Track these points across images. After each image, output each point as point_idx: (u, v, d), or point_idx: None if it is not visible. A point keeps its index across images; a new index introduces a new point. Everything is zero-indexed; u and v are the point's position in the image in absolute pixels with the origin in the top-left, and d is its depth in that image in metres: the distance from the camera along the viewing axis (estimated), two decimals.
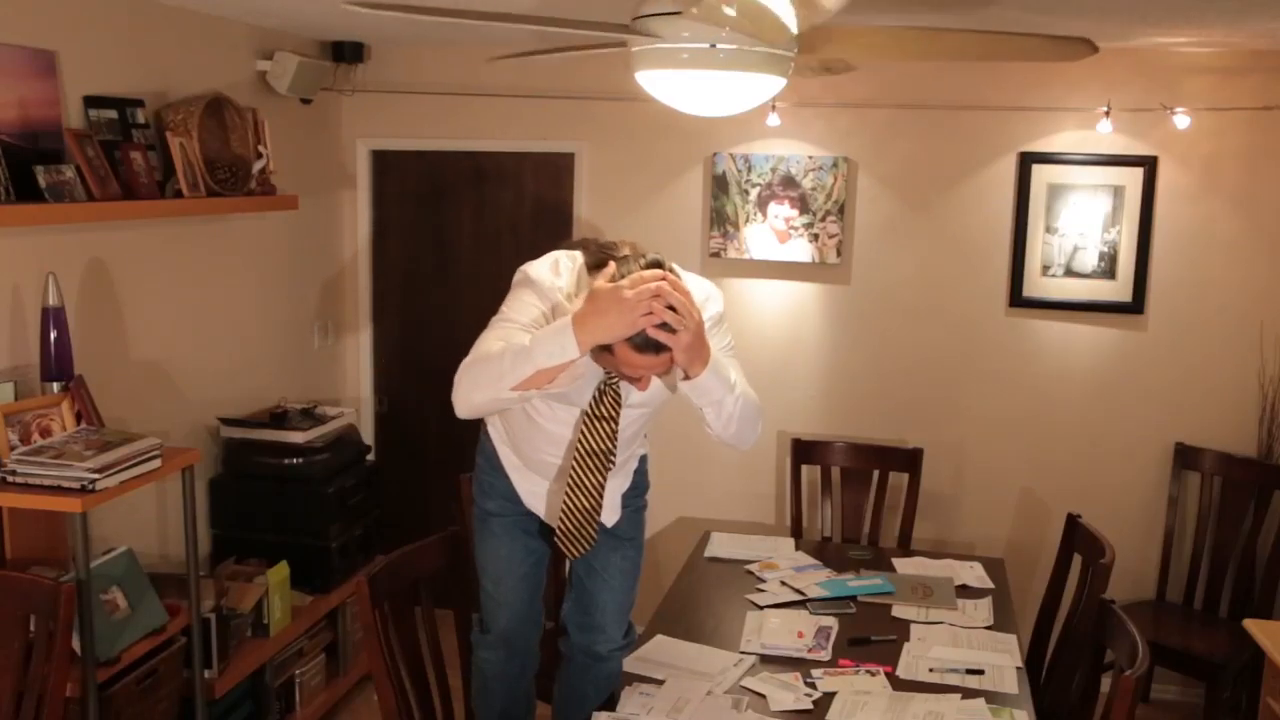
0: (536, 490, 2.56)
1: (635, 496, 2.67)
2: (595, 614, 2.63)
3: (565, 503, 2.39)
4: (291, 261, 4.29)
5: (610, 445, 2.35)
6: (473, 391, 2.10)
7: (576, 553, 2.45)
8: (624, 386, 2.30)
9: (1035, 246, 4.10)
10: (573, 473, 2.37)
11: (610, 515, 2.57)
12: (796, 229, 4.23)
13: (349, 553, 3.95)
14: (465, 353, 2.16)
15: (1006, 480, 4.30)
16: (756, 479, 4.47)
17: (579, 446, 2.35)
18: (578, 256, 2.26)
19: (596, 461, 2.35)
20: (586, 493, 2.38)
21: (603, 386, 2.31)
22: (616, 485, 2.57)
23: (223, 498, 3.84)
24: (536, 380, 2.04)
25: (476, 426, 2.62)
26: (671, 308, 2.01)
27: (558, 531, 2.43)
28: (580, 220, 4.47)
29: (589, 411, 2.32)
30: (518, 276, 2.28)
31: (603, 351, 2.10)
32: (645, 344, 2.05)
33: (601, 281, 2.06)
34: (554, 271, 2.23)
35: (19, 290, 2.97)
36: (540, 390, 2.08)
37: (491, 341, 2.13)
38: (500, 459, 2.58)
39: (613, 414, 2.32)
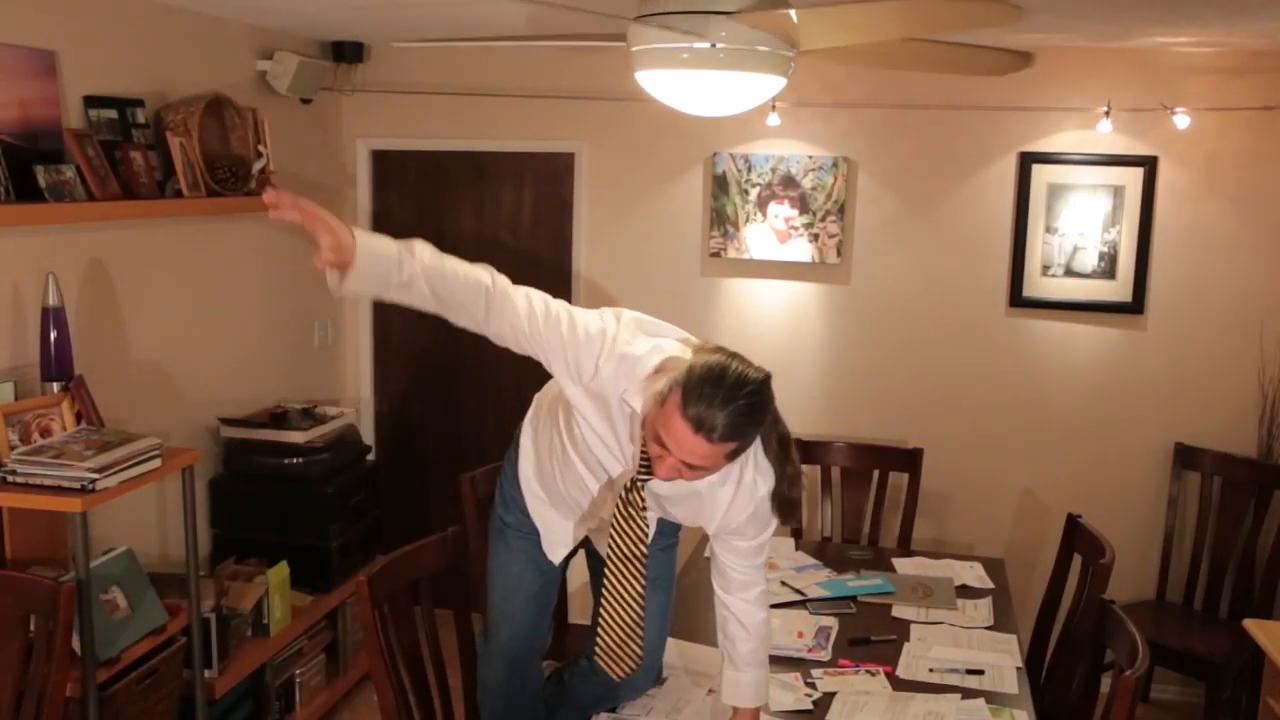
0: (547, 516, 2.46)
1: (664, 535, 2.50)
2: None
3: (604, 618, 2.22)
4: (292, 261, 4.29)
5: (643, 550, 2.17)
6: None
7: (620, 673, 2.28)
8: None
9: (1035, 246, 4.10)
10: (609, 585, 2.20)
11: None
12: (796, 229, 4.23)
13: (349, 553, 3.95)
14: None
15: (1006, 480, 4.30)
16: None
17: (612, 551, 2.17)
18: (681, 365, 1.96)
19: (633, 568, 2.17)
20: (626, 605, 2.19)
21: (628, 484, 2.15)
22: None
23: (223, 498, 3.84)
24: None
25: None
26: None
27: (597, 650, 2.26)
28: (580, 220, 4.47)
29: (618, 510, 2.15)
30: (617, 315, 2.11)
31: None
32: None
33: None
34: (655, 371, 1.98)
35: (19, 290, 2.97)
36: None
37: (517, 292, 2.03)
38: (520, 480, 2.49)
39: (640, 508, 2.16)
